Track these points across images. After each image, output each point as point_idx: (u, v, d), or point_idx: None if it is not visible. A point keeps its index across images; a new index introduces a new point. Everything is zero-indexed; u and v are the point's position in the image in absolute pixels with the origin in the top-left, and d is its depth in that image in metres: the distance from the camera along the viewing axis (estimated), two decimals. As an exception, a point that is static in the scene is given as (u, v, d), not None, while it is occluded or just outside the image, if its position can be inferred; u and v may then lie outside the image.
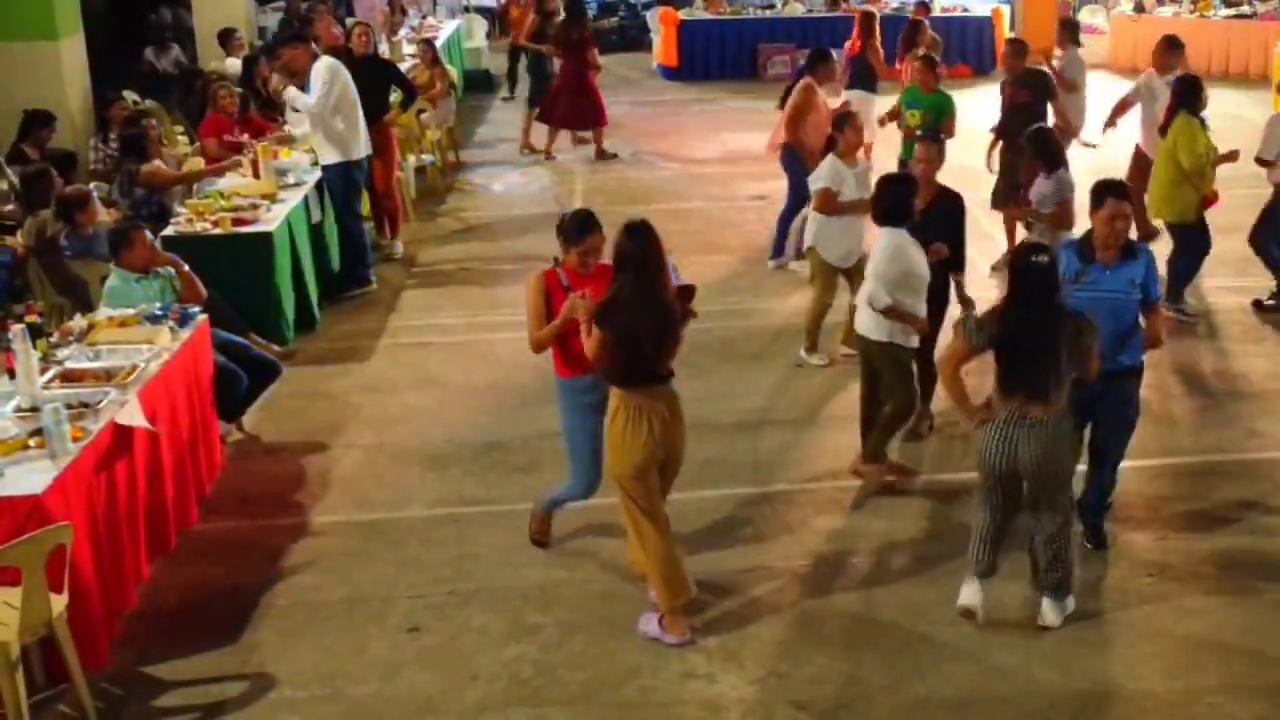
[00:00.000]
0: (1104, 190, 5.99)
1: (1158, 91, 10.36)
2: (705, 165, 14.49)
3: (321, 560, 6.40)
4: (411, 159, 12.94)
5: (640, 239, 5.42)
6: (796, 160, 10.17)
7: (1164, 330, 6.34)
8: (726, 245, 11.30)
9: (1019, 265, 5.54)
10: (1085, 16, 21.08)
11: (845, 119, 8.69)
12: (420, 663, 5.55)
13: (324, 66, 9.95)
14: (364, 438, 7.76)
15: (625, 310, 5.39)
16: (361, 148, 10.21)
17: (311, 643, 5.71)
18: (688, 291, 5.63)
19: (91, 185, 9.68)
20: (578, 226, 5.86)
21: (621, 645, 5.63)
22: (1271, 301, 9.40)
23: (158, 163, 9.90)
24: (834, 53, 11.15)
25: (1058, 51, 12.13)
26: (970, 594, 5.70)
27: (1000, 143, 10.44)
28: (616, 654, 5.58)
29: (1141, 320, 6.05)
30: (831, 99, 11.14)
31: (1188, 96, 9.22)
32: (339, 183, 10.10)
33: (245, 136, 10.69)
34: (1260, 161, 9.22)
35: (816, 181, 8.49)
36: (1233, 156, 9.25)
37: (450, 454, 7.51)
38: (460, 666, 5.51)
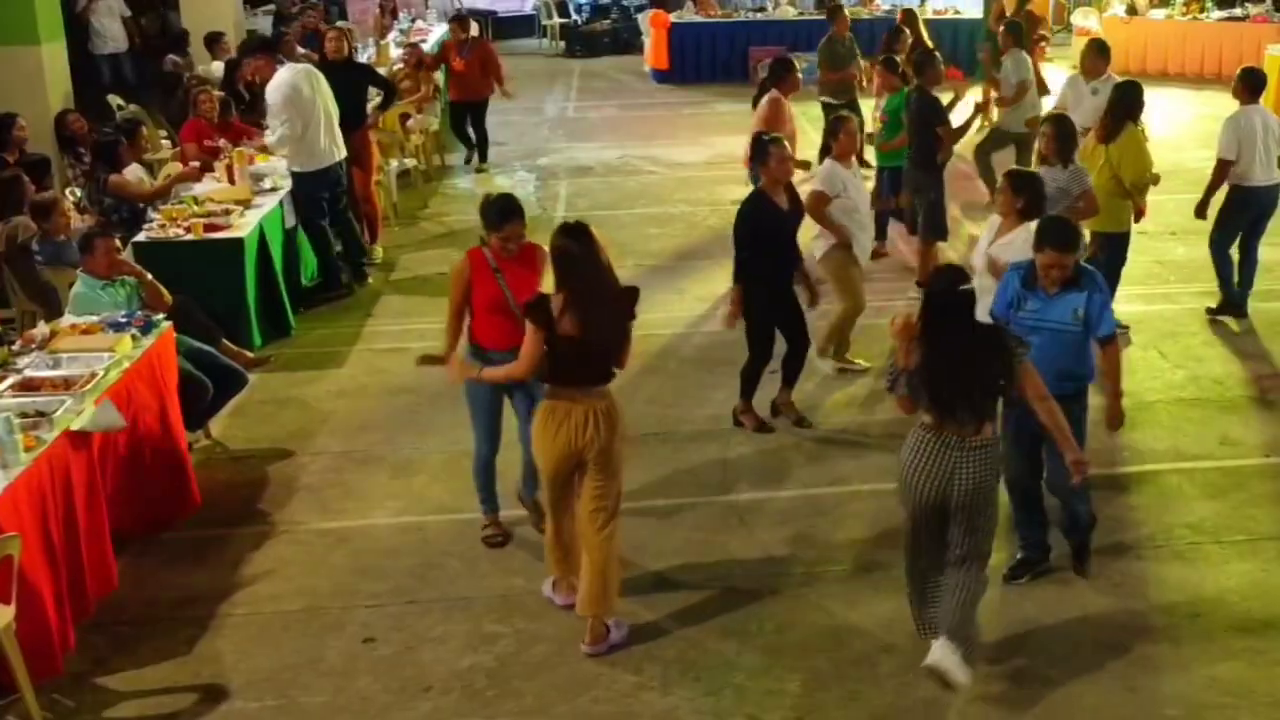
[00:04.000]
0: (1042, 237, 5.69)
1: (1083, 97, 10.16)
2: (690, 169, 14.43)
3: (282, 569, 6.36)
4: (394, 163, 12.89)
5: (583, 241, 5.37)
6: None
7: (1119, 375, 5.98)
8: (707, 251, 11.22)
9: (933, 295, 5.16)
10: (1078, 19, 21.03)
11: (839, 123, 8.58)
12: (374, 673, 5.52)
13: (274, 87, 9.72)
14: (333, 444, 7.73)
15: (577, 312, 5.32)
16: (323, 157, 9.93)
17: (267, 653, 5.68)
18: (631, 293, 5.53)
19: (65, 190, 9.64)
20: (498, 212, 5.95)
21: (579, 656, 5.58)
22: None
23: (134, 168, 9.86)
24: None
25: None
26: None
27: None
28: (573, 665, 5.54)
29: (1098, 358, 5.83)
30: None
31: (1134, 105, 8.61)
32: (299, 192, 9.96)
33: (223, 142, 10.61)
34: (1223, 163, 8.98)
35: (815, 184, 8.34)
36: (1155, 180, 8.67)
37: (417, 461, 7.48)
38: (415, 677, 5.48)
